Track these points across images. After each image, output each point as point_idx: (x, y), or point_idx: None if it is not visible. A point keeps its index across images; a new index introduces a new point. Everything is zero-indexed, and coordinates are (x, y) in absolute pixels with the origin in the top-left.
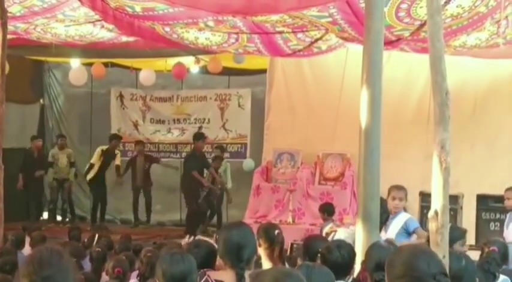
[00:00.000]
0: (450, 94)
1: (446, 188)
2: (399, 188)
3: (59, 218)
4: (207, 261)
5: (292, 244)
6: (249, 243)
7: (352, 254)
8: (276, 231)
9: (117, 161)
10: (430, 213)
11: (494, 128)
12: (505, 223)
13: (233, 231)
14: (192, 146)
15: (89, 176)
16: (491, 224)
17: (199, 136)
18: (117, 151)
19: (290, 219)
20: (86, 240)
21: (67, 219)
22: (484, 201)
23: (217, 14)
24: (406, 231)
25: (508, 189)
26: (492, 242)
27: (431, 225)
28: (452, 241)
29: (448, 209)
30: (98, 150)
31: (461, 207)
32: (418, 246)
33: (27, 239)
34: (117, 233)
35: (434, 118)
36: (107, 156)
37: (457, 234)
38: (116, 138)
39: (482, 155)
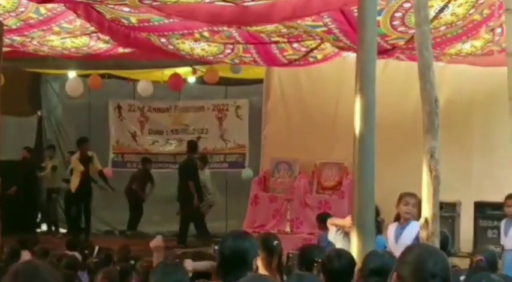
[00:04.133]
0: (439, 102)
1: (437, 196)
2: (411, 194)
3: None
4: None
5: (288, 254)
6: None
7: (353, 263)
8: (275, 242)
9: (97, 165)
10: (421, 221)
11: (491, 135)
12: (502, 230)
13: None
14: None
15: (74, 185)
16: (489, 231)
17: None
18: (90, 153)
19: (288, 229)
20: (86, 251)
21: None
22: (482, 209)
23: (211, 25)
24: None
25: (508, 197)
26: (480, 252)
27: (422, 233)
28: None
29: (439, 217)
30: (74, 158)
31: (459, 215)
32: (430, 246)
33: (25, 252)
34: (116, 244)
35: (423, 126)
36: (84, 162)
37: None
38: (84, 142)
39: (480, 162)
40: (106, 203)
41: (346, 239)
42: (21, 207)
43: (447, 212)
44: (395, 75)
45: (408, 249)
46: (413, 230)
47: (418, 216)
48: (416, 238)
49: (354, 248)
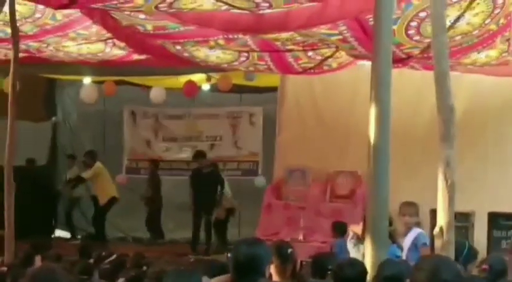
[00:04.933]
0: (455, 111)
1: (452, 205)
2: (409, 204)
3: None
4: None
5: (301, 262)
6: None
7: (364, 272)
8: (289, 250)
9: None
10: (436, 230)
11: (506, 145)
12: None
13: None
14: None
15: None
16: (503, 242)
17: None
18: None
19: (301, 237)
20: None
21: (79, 236)
22: (496, 219)
23: (227, 32)
24: (416, 246)
25: None
26: (487, 259)
27: (437, 242)
28: (468, 261)
29: (454, 226)
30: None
31: (473, 225)
32: (443, 256)
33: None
34: (130, 251)
35: (439, 135)
36: None
37: (472, 254)
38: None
39: (495, 172)
40: (120, 210)
41: (356, 248)
42: (36, 212)
43: (461, 221)
44: (410, 84)
45: (423, 258)
46: (412, 234)
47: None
48: (413, 243)
49: (368, 257)
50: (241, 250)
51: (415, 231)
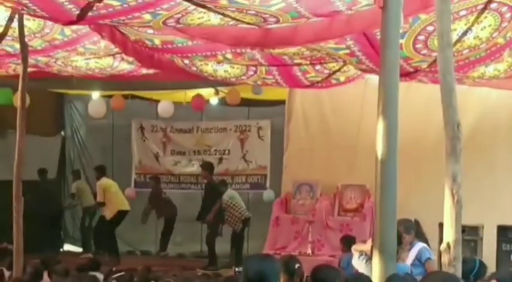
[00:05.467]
0: (463, 126)
1: (459, 221)
2: (400, 222)
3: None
4: None
5: (308, 276)
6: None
7: None
8: (297, 265)
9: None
10: (443, 246)
11: None
12: None
13: (257, 263)
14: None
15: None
16: None
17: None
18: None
19: (309, 251)
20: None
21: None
22: (505, 233)
23: (235, 47)
24: (420, 261)
25: None
26: (496, 273)
27: (444, 258)
28: (478, 277)
29: (461, 242)
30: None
31: (482, 239)
32: (450, 274)
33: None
34: (138, 265)
35: (445, 151)
36: None
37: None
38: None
39: (503, 185)
40: (128, 223)
41: (368, 264)
42: (45, 226)
43: (470, 235)
44: (418, 97)
45: (429, 275)
46: (415, 249)
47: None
48: (416, 258)
49: (375, 271)
50: (251, 266)
51: (417, 246)
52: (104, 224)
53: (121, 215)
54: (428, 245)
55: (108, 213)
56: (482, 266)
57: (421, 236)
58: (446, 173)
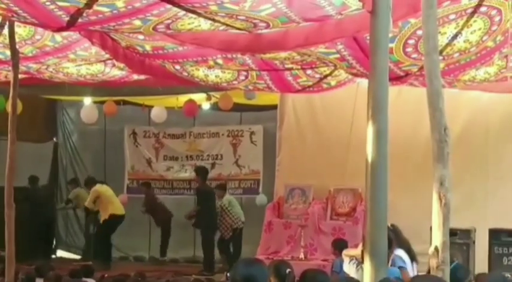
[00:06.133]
0: (453, 129)
1: (447, 225)
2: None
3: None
4: None
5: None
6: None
7: None
8: (288, 270)
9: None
10: (431, 250)
11: (506, 161)
12: None
13: (245, 267)
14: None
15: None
16: (504, 258)
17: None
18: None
19: (302, 255)
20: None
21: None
22: (497, 236)
23: (225, 52)
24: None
25: None
26: (489, 277)
27: (432, 262)
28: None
29: (449, 246)
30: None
31: (474, 242)
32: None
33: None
34: (131, 270)
35: (432, 155)
36: None
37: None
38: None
39: (495, 188)
40: (120, 229)
41: (359, 269)
42: (37, 232)
43: (462, 239)
44: (410, 101)
45: (416, 278)
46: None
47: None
48: (390, 265)
49: (366, 276)
50: (239, 270)
51: (391, 254)
52: (99, 230)
53: (114, 219)
54: (410, 251)
55: (102, 216)
56: (460, 269)
57: (401, 243)
58: (433, 176)
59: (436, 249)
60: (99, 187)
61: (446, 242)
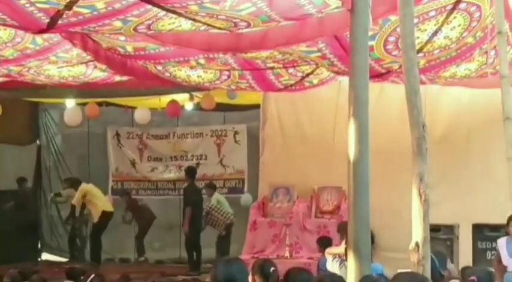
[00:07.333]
0: (427, 127)
1: (427, 220)
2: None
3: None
4: None
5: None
6: (240, 278)
7: None
8: (272, 268)
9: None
10: (411, 246)
11: (489, 157)
12: (505, 250)
13: (224, 267)
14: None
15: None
16: (488, 253)
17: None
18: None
19: (287, 254)
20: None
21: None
22: (480, 231)
23: (207, 52)
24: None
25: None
26: (473, 271)
27: (413, 257)
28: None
29: (429, 241)
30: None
31: (458, 237)
32: (417, 274)
33: None
34: (116, 272)
35: (412, 151)
36: None
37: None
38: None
39: (478, 184)
40: (106, 231)
41: (342, 267)
42: (22, 235)
43: (446, 234)
44: (393, 98)
45: (396, 276)
46: None
47: None
48: None
49: (350, 273)
50: (219, 269)
51: None
52: (94, 230)
53: (106, 216)
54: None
55: (94, 215)
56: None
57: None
58: (413, 172)
59: (417, 244)
60: (84, 186)
61: (427, 237)
